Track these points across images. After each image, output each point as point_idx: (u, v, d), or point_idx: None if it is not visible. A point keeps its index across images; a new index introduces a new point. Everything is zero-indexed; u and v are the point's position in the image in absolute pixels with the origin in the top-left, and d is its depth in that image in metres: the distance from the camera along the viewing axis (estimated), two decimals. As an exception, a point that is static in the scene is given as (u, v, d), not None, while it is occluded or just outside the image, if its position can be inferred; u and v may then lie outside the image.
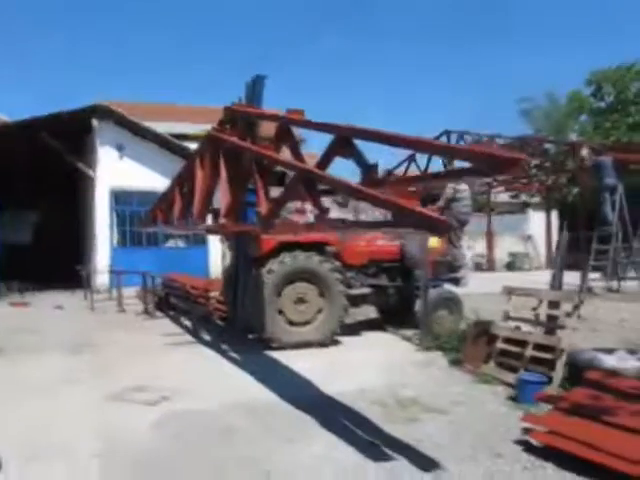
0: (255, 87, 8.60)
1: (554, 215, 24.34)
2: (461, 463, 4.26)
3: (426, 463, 4.26)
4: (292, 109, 6.21)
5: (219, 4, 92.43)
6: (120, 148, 16.81)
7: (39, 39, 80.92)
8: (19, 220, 21.55)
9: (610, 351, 6.01)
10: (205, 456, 4.51)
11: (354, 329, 9.54)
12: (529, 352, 6.22)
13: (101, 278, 15.62)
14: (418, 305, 9.29)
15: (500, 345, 6.61)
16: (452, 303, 9.44)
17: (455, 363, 7.18)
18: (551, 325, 6.42)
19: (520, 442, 4.55)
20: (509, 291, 7.01)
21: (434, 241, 10.27)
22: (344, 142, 4.84)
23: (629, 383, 4.66)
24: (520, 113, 32.34)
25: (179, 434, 5.00)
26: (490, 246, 23.07)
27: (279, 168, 6.81)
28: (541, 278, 14.64)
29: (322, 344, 8.49)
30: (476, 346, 7.03)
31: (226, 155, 7.45)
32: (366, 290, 9.56)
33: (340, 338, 8.77)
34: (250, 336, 9.01)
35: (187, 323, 10.96)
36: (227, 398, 5.93)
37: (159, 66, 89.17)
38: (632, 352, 6.08)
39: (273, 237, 9.29)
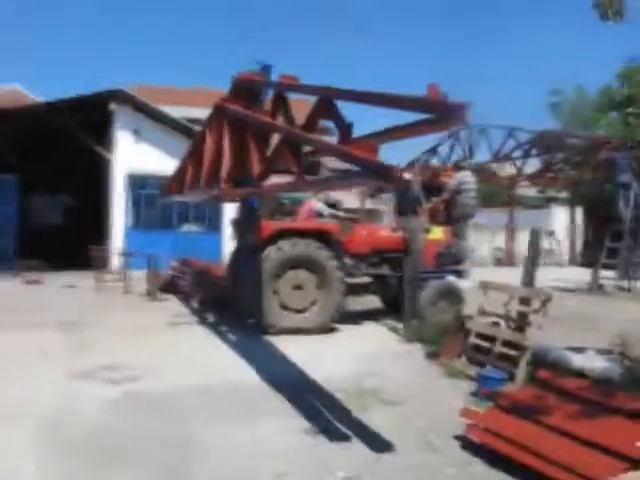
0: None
1: (579, 211, 23.77)
2: (395, 455, 4.26)
3: (359, 452, 4.29)
4: (285, 75, 6.14)
5: None
6: (137, 132, 17.03)
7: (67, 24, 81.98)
8: (49, 202, 22.09)
9: (580, 350, 5.92)
10: (148, 435, 4.58)
11: (354, 318, 9.50)
12: (498, 348, 6.14)
13: (115, 260, 15.85)
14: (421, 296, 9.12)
15: (473, 340, 6.55)
16: (453, 295, 9.26)
17: (432, 356, 7.12)
18: (520, 322, 6.32)
19: (460, 438, 4.51)
20: (484, 286, 6.91)
21: (438, 232, 10.18)
22: (326, 104, 4.83)
23: (575, 383, 4.56)
24: (549, 106, 31.28)
25: (130, 413, 5.09)
26: (511, 240, 22.69)
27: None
28: (564, 275, 14.43)
29: (320, 331, 8.51)
30: (455, 340, 6.98)
31: (230, 124, 7.50)
32: (367, 279, 9.52)
33: (338, 325, 8.80)
34: (250, 320, 9.02)
35: (190, 306, 11.08)
36: (196, 379, 6.04)
37: (180, 50, 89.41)
38: (603, 352, 5.98)
39: (272, 223, 9.28)
